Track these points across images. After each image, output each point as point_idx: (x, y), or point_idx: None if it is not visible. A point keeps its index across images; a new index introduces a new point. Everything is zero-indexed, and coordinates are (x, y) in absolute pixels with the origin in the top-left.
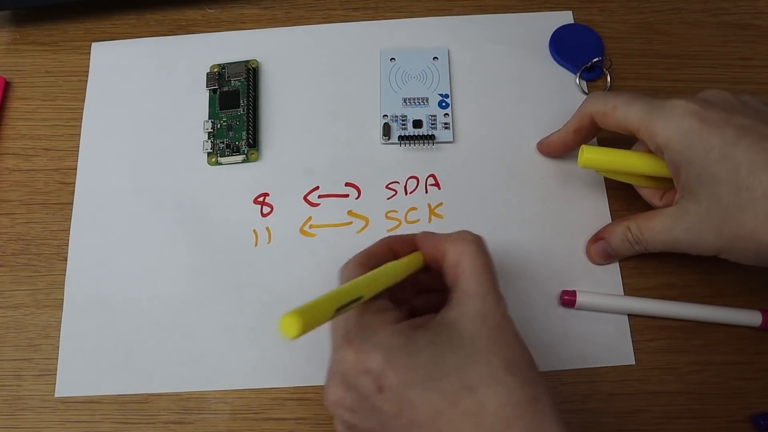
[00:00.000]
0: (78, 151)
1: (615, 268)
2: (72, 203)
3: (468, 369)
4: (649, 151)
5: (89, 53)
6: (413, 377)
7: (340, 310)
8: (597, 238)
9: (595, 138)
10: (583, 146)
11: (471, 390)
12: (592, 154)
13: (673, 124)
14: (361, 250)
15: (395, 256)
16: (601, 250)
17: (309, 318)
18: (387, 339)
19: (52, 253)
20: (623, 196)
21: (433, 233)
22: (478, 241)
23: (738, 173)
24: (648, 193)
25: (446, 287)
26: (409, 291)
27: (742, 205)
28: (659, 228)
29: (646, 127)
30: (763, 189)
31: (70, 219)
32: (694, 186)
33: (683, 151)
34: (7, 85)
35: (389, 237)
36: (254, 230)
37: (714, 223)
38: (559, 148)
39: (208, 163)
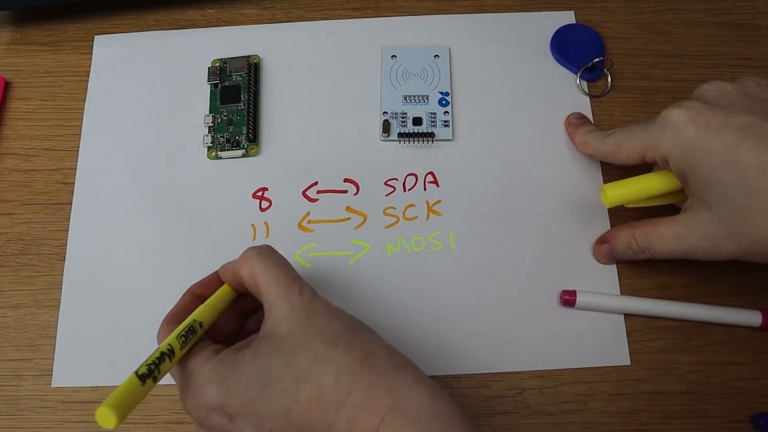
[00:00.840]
0: (78, 151)
1: (613, 268)
2: (72, 203)
3: (295, 363)
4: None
5: (89, 53)
6: (251, 394)
7: (147, 377)
8: (602, 240)
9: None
10: (602, 186)
11: (305, 379)
12: (615, 192)
13: (671, 135)
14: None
15: (202, 301)
16: (606, 252)
17: (122, 406)
18: (213, 372)
19: (52, 253)
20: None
21: (228, 263)
22: (262, 252)
23: (746, 177)
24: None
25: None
26: (234, 322)
27: (756, 209)
28: (668, 236)
29: (649, 148)
30: None
31: (70, 218)
32: (703, 192)
33: (687, 159)
34: (7, 85)
35: (192, 286)
36: (252, 224)
37: (729, 228)
38: (578, 147)
39: (208, 157)
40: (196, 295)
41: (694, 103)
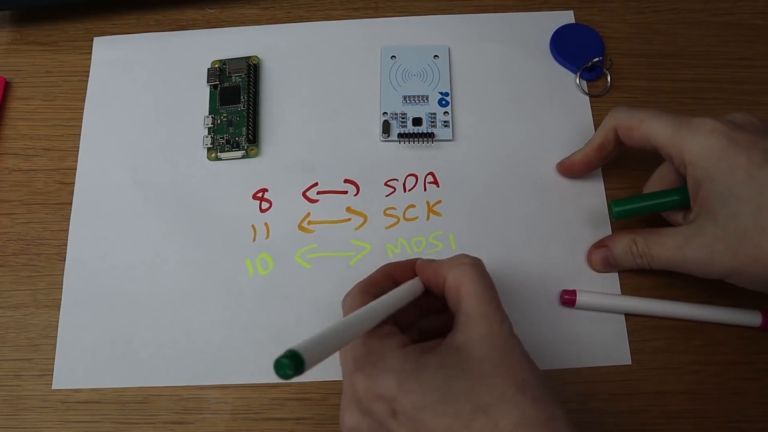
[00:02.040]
0: (78, 151)
1: (613, 277)
2: (72, 203)
3: (479, 391)
4: (669, 174)
5: (89, 53)
6: (425, 401)
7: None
8: (600, 245)
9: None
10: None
11: (483, 412)
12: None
13: (701, 140)
14: (362, 279)
15: (395, 283)
16: (602, 257)
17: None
18: (397, 363)
19: (52, 253)
20: (621, 196)
21: (431, 260)
22: (476, 264)
23: (761, 194)
24: (672, 216)
25: (449, 309)
26: (414, 314)
27: (762, 227)
28: (669, 245)
29: (674, 143)
30: None
31: (70, 218)
32: (713, 204)
33: (709, 168)
34: (7, 85)
35: (388, 264)
36: (253, 225)
37: (730, 243)
38: (582, 168)
39: (208, 158)
40: (390, 275)
41: (726, 121)
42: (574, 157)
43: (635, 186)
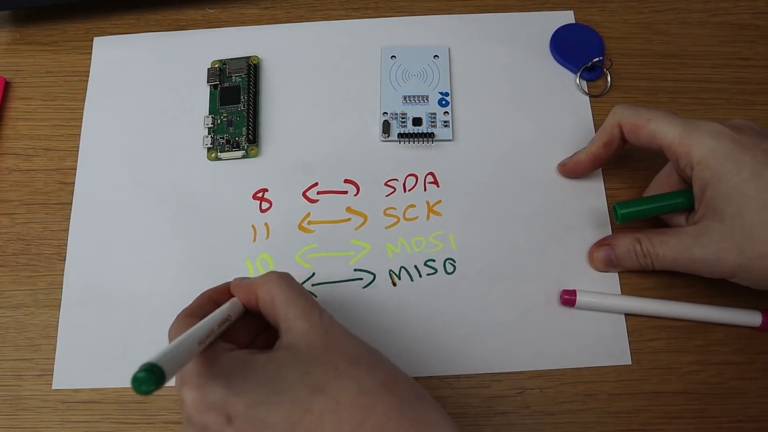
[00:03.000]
0: (78, 151)
1: (614, 277)
2: (72, 203)
3: (312, 372)
4: (671, 177)
5: (89, 53)
6: (258, 397)
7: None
8: (602, 243)
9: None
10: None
11: (321, 391)
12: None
13: (709, 141)
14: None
15: (217, 306)
16: (604, 256)
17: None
18: (222, 367)
19: (52, 253)
20: (622, 196)
21: (243, 279)
22: (283, 276)
23: (767, 192)
24: (674, 218)
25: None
26: (250, 334)
27: (767, 222)
28: (674, 244)
29: (681, 143)
30: None
31: (70, 218)
32: (720, 203)
33: (716, 168)
34: (7, 85)
35: (206, 291)
36: (253, 225)
37: (737, 241)
38: (590, 166)
39: (208, 158)
40: (209, 299)
41: (730, 125)
42: (578, 157)
43: (635, 185)
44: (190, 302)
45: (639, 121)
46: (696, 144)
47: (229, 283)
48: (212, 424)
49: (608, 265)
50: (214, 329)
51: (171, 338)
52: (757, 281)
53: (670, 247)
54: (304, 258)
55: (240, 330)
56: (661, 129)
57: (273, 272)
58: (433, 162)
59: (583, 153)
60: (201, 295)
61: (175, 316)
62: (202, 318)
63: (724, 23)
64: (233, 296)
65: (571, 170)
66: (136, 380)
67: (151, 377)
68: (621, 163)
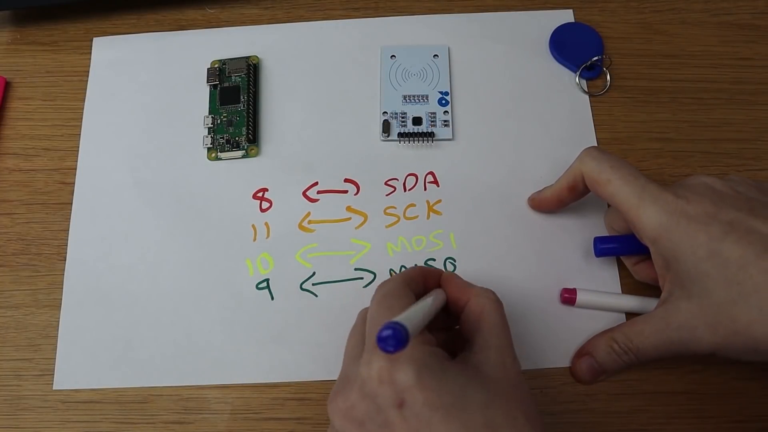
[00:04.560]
0: (78, 151)
1: (613, 266)
2: (72, 203)
3: (492, 408)
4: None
5: (89, 53)
6: (440, 401)
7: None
8: (581, 353)
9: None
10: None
11: (493, 429)
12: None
13: (662, 219)
14: (399, 272)
15: (425, 285)
16: (587, 367)
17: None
18: (422, 356)
19: (52, 253)
20: None
21: (456, 276)
22: (499, 301)
23: (727, 269)
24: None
25: (457, 329)
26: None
27: (734, 300)
28: (648, 331)
29: (634, 216)
30: (754, 283)
31: (70, 218)
32: (684, 282)
33: (671, 248)
34: (7, 85)
35: (422, 267)
36: (253, 225)
37: (708, 319)
38: (552, 205)
39: (208, 158)
40: (424, 276)
41: (686, 191)
42: (544, 194)
43: None
44: (407, 269)
45: (599, 179)
46: (649, 220)
47: (441, 271)
48: (384, 397)
49: (595, 374)
50: (436, 309)
51: (382, 292)
52: (739, 356)
53: (646, 336)
54: (305, 257)
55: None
56: (618, 195)
57: (492, 292)
58: (433, 161)
59: (549, 191)
60: (417, 268)
61: (174, 315)
62: (413, 290)
63: (724, 23)
64: (440, 287)
65: (538, 205)
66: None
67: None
68: None
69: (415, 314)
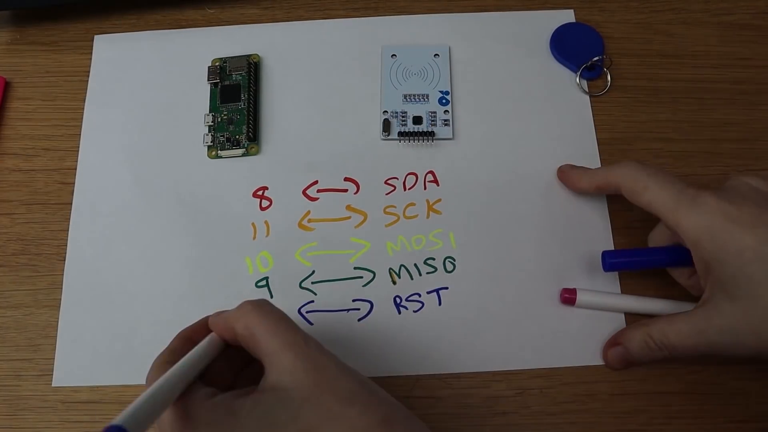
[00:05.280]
0: (78, 151)
1: (614, 276)
2: (72, 203)
3: (302, 417)
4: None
5: (90, 53)
6: None
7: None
8: (614, 342)
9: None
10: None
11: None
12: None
13: (703, 221)
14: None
15: (193, 345)
16: (619, 356)
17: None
18: (205, 416)
19: (52, 253)
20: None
21: (220, 313)
22: (260, 304)
23: None
24: (675, 272)
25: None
26: (231, 372)
27: None
28: (687, 330)
29: (674, 219)
30: None
31: (70, 218)
32: (727, 285)
33: (714, 251)
34: (7, 85)
35: (183, 330)
36: (253, 223)
37: (753, 324)
38: (575, 187)
39: (208, 156)
40: (187, 339)
41: (728, 194)
42: (574, 174)
43: None
44: (165, 347)
45: (637, 188)
46: (689, 223)
47: (207, 318)
48: None
49: (626, 364)
50: (187, 374)
51: (147, 383)
52: None
53: (685, 336)
54: (304, 256)
55: (221, 368)
56: (655, 200)
57: (248, 302)
58: (433, 160)
59: (578, 176)
60: (177, 336)
61: (174, 313)
62: (176, 361)
63: (724, 23)
64: (211, 333)
65: (565, 179)
66: None
67: None
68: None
69: (142, 401)
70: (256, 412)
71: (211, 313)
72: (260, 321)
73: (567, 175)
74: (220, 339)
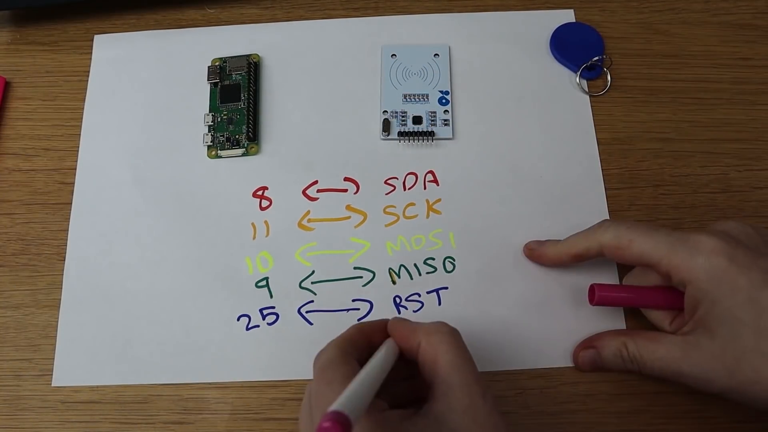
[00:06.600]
0: (78, 151)
1: (612, 267)
2: (72, 203)
3: None
4: (661, 283)
5: (89, 53)
6: None
7: None
8: (587, 345)
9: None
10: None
11: None
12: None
13: (700, 260)
14: (335, 337)
15: (369, 341)
16: (589, 359)
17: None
18: (374, 428)
19: (52, 253)
20: (622, 196)
21: (403, 320)
22: (454, 333)
23: (761, 318)
24: (657, 316)
25: (419, 376)
26: (392, 383)
27: (761, 351)
28: (662, 354)
29: (669, 262)
30: None
31: (70, 218)
32: (712, 323)
33: (709, 290)
34: (7, 85)
35: (360, 324)
36: (253, 223)
37: (727, 363)
38: (550, 264)
39: (208, 156)
40: (363, 332)
41: (724, 235)
42: (546, 251)
43: (635, 185)
44: (342, 332)
45: (621, 243)
46: (686, 264)
47: (386, 321)
48: None
49: (594, 367)
50: (382, 376)
51: (319, 365)
52: (747, 403)
53: (658, 358)
54: (304, 256)
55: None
56: (645, 248)
57: (443, 324)
58: (433, 160)
59: (551, 250)
60: (354, 327)
61: (174, 313)
62: (354, 353)
63: (724, 23)
64: (388, 336)
65: (535, 258)
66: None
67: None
68: (621, 163)
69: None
70: None
71: (391, 318)
72: (449, 348)
73: (536, 252)
74: (398, 348)
